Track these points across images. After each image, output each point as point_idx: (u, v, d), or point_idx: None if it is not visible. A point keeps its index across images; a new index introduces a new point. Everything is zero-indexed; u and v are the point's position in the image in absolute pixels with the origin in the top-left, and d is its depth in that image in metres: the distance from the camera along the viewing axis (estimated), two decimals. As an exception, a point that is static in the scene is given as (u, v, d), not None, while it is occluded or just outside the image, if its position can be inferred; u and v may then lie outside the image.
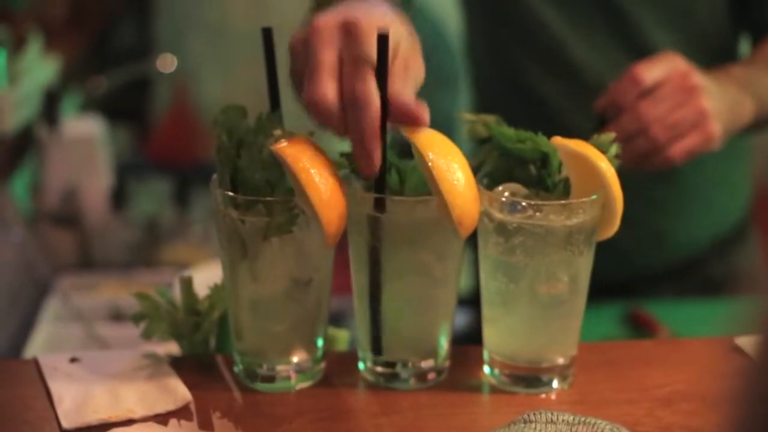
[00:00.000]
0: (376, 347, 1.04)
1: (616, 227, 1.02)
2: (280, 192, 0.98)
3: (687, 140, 1.25)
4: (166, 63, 2.88)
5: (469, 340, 1.19)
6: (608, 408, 1.01)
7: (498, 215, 1.01)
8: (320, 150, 0.98)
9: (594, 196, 1.00)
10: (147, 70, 2.96)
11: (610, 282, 1.64)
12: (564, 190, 1.02)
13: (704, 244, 1.73)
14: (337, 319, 1.23)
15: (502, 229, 1.01)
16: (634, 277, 1.71)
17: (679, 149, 1.24)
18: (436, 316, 1.05)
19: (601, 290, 1.27)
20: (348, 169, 1.02)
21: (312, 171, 0.96)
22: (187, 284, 1.09)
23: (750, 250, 1.78)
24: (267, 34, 1.03)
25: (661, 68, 1.25)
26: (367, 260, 1.01)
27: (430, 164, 0.97)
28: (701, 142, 1.25)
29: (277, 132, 0.99)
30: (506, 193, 1.02)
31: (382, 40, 0.93)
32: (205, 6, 3.40)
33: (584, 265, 1.03)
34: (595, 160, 1.00)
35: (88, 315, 1.73)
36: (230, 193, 0.98)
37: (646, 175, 1.31)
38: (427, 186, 1.00)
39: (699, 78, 1.25)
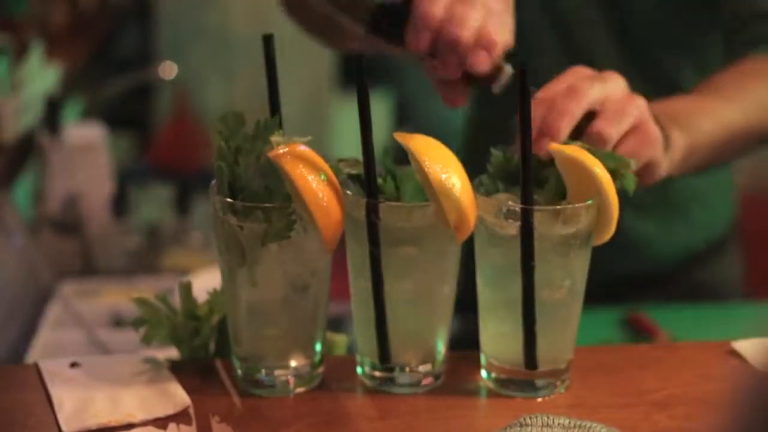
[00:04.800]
0: (384, 356, 1.04)
1: (611, 232, 1.03)
2: (278, 198, 0.99)
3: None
4: (168, 70, 2.89)
5: (465, 345, 1.20)
6: (604, 412, 1.02)
7: (493, 221, 1.02)
8: (318, 156, 0.99)
9: (589, 201, 1.01)
10: (148, 77, 2.97)
11: (596, 286, 1.64)
12: (557, 190, 1.03)
13: (683, 255, 1.74)
14: (335, 324, 1.24)
15: (497, 234, 1.02)
16: (617, 282, 1.72)
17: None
18: (433, 320, 1.05)
19: (598, 294, 1.27)
20: (344, 175, 1.04)
21: (309, 177, 0.97)
22: (186, 289, 1.10)
23: (729, 262, 1.80)
24: (267, 41, 1.05)
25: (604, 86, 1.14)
26: (368, 267, 1.02)
27: (426, 170, 0.98)
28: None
29: (276, 138, 0.99)
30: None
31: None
32: (206, 13, 3.41)
33: (580, 269, 1.04)
34: (590, 165, 1.00)
35: (89, 321, 1.74)
36: (229, 200, 0.99)
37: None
38: (423, 192, 1.01)
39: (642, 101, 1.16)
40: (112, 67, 3.19)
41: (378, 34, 1.13)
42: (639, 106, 1.11)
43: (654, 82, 1.23)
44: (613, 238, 1.25)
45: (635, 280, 1.73)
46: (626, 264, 1.71)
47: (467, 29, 1.08)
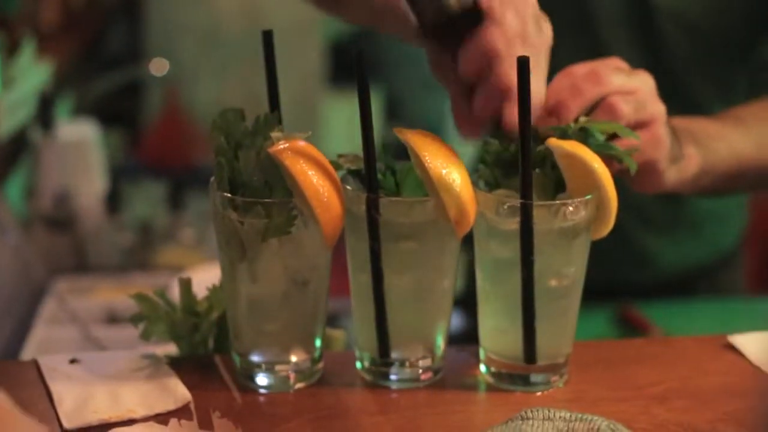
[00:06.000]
0: (384, 351, 1.05)
1: (610, 227, 1.04)
2: (278, 194, 0.99)
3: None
4: (158, 67, 2.89)
5: (462, 340, 1.20)
6: (603, 405, 1.03)
7: (493, 216, 1.03)
8: (318, 152, 1.00)
9: (588, 196, 1.02)
10: (139, 73, 2.97)
11: (597, 290, 1.64)
12: (545, 176, 1.03)
13: (690, 268, 1.75)
14: (333, 320, 1.24)
15: (497, 229, 1.03)
16: (620, 288, 1.73)
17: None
18: (433, 315, 1.06)
19: (598, 296, 1.27)
20: (345, 170, 1.04)
21: (310, 173, 0.97)
22: (186, 285, 1.10)
23: (734, 272, 1.81)
24: (267, 37, 1.04)
25: (630, 79, 1.13)
26: (368, 262, 1.02)
27: (426, 165, 0.98)
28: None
29: (276, 134, 1.00)
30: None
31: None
32: (195, 10, 3.41)
33: (579, 264, 1.04)
34: (589, 160, 1.01)
35: (83, 317, 1.74)
36: (229, 195, 0.99)
37: (642, 194, 1.26)
38: (423, 187, 1.01)
39: (662, 106, 1.15)
40: (102, 65, 3.19)
41: (435, 39, 1.05)
42: (659, 108, 1.12)
43: (682, 105, 1.25)
44: (620, 248, 1.26)
45: (638, 287, 1.74)
46: (631, 273, 1.72)
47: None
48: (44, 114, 2.13)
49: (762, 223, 2.57)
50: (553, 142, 1.02)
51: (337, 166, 1.02)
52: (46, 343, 1.65)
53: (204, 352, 1.12)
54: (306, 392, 1.05)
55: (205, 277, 1.19)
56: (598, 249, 1.07)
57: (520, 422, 0.92)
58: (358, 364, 1.08)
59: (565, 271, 1.04)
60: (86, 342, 1.65)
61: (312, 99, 3.50)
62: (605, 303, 1.71)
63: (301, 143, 0.99)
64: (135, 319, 1.10)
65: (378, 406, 1.03)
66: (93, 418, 0.98)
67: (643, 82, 1.12)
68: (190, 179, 2.38)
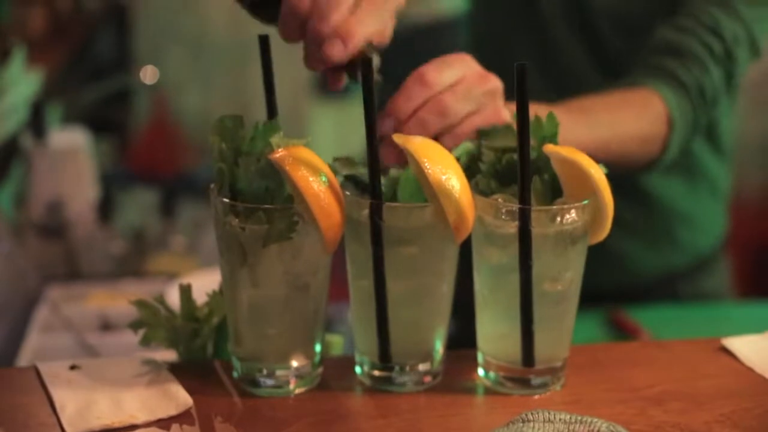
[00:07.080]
0: (385, 355, 1.06)
1: (607, 231, 1.05)
2: (279, 200, 1.00)
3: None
4: (148, 75, 2.89)
5: (458, 345, 1.21)
6: (601, 408, 1.04)
7: (492, 221, 1.04)
8: (318, 158, 1.00)
9: (585, 202, 1.03)
10: (129, 81, 2.97)
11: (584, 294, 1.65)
12: (543, 184, 1.04)
13: (667, 272, 1.77)
14: (328, 325, 1.25)
15: (495, 234, 1.04)
16: (601, 293, 1.74)
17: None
18: (432, 319, 1.07)
19: (581, 301, 1.28)
20: (342, 176, 1.05)
21: (311, 179, 0.98)
22: (187, 291, 1.11)
23: (715, 277, 1.83)
24: (264, 42, 1.05)
25: (454, 71, 1.13)
26: (368, 267, 1.03)
27: (426, 172, 0.99)
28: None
29: (276, 140, 1.01)
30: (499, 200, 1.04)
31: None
32: (183, 19, 3.41)
33: (577, 268, 1.06)
34: (586, 166, 1.02)
35: (77, 324, 1.74)
36: (231, 201, 1.00)
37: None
38: (420, 192, 1.02)
39: (497, 80, 1.15)
40: (91, 73, 3.18)
41: (258, 16, 1.15)
42: (493, 84, 1.12)
43: None
44: (597, 253, 1.27)
45: (619, 292, 1.76)
46: (610, 277, 1.74)
47: (327, 23, 1.07)
48: (35, 122, 2.13)
49: (742, 227, 2.59)
50: (550, 148, 1.03)
51: (334, 170, 1.02)
52: (40, 351, 1.65)
53: (202, 357, 1.13)
54: (306, 396, 1.06)
55: (199, 284, 1.19)
56: None
57: (521, 425, 0.93)
58: (358, 369, 1.09)
59: (562, 276, 1.05)
60: (81, 349, 1.65)
61: (299, 106, 3.51)
62: (592, 308, 1.72)
63: (302, 149, 1.00)
64: (135, 326, 1.11)
65: (378, 409, 1.04)
66: (96, 423, 0.99)
67: (468, 67, 1.12)
68: (181, 186, 2.39)
